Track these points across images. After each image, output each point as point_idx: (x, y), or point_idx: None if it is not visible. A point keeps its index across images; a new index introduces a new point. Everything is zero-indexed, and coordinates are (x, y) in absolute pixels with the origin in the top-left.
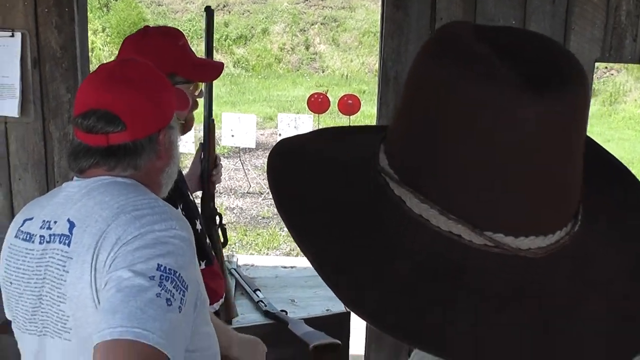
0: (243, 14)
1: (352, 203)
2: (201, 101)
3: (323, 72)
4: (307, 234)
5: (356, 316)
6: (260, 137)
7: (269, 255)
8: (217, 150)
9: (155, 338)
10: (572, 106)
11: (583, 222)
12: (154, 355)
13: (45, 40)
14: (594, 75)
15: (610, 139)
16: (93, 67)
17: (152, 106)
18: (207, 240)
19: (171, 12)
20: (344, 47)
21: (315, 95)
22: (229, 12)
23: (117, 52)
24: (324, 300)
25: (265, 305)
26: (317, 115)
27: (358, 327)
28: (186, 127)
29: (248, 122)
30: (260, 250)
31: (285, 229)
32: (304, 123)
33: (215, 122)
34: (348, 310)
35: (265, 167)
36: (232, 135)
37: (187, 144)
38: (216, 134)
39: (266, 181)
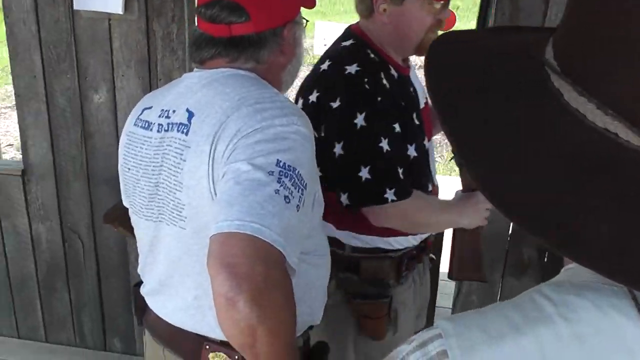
0: None
1: (510, 95)
2: None
3: None
4: (461, 129)
5: None
6: None
7: None
8: (309, 60)
9: (273, 235)
10: None
11: None
12: (270, 251)
13: None
14: None
15: None
16: None
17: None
18: None
19: None
20: None
21: None
22: None
23: None
24: None
25: None
26: None
27: None
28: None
29: (341, 31)
30: None
31: None
32: None
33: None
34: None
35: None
36: (325, 45)
37: None
38: (307, 43)
39: None
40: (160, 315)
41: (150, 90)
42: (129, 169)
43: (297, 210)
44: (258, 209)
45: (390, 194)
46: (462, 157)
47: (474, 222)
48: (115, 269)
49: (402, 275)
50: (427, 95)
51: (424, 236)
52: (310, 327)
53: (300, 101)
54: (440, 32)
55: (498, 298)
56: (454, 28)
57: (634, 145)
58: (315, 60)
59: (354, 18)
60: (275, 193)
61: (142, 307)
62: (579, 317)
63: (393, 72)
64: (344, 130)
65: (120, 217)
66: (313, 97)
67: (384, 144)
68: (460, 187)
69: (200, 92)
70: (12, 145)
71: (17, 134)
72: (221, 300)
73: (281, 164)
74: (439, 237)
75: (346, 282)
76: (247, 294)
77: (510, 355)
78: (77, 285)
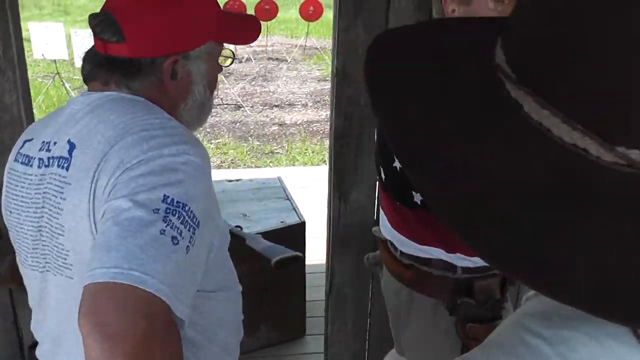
0: None
1: (457, 102)
2: None
3: None
4: (404, 135)
5: (312, 225)
6: None
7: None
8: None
9: (156, 284)
10: None
11: None
12: (153, 303)
13: None
14: None
15: None
16: None
17: (164, 26)
18: None
19: None
20: None
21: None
22: None
23: None
24: (276, 212)
25: None
26: None
27: (316, 235)
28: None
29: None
30: None
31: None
32: None
33: None
34: (303, 220)
35: None
36: (47, 44)
37: None
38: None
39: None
40: None
41: None
42: (10, 211)
43: (187, 252)
44: (138, 253)
45: None
46: (425, 191)
47: None
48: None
49: (506, 291)
50: None
51: None
52: None
53: None
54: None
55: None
56: (276, 19)
57: (606, 162)
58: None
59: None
60: (161, 234)
61: None
62: (580, 357)
63: None
64: None
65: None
66: None
67: None
68: None
69: (83, 120)
70: None
71: None
72: None
73: (168, 200)
74: None
75: (463, 308)
76: (123, 359)
77: None
78: None
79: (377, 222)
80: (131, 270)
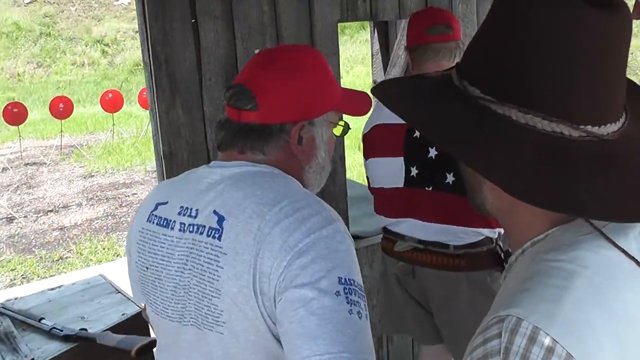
0: None
1: (458, 117)
2: None
3: None
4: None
5: None
6: None
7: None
8: None
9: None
10: (628, 18)
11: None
12: None
13: None
14: None
15: None
16: None
17: (295, 95)
18: None
19: None
20: None
21: None
22: None
23: None
24: (114, 307)
25: (62, 330)
26: None
27: None
28: None
29: None
30: None
31: None
32: None
33: None
34: (141, 308)
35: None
36: None
37: None
38: None
39: None
40: None
41: None
42: (147, 268)
43: (367, 319)
44: (340, 337)
45: None
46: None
47: None
48: None
49: None
50: None
51: None
52: None
53: None
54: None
55: None
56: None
57: (575, 136)
58: None
59: None
60: (350, 314)
61: None
62: (588, 263)
63: None
64: None
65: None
66: None
67: None
68: None
69: (227, 193)
70: None
71: None
72: None
73: (342, 281)
74: None
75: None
76: None
77: (581, 301)
78: None
79: None
80: (341, 352)
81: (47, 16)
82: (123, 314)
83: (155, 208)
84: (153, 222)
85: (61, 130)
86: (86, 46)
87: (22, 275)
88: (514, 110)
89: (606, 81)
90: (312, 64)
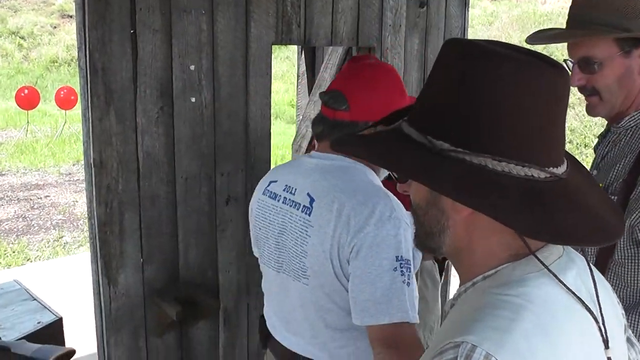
0: None
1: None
2: None
3: None
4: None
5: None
6: None
7: None
8: None
9: (415, 317)
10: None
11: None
12: (414, 329)
13: None
14: None
15: None
16: None
17: (377, 100)
18: None
19: None
20: None
21: None
22: None
23: None
24: (29, 314)
25: None
26: None
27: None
28: None
29: None
30: None
31: None
32: None
33: None
34: (59, 316)
35: None
36: None
37: None
38: None
39: None
40: (283, 344)
41: None
42: (260, 228)
43: (412, 287)
44: (399, 302)
45: None
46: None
47: None
48: None
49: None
50: None
51: None
52: None
53: None
54: None
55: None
56: None
57: (542, 178)
58: None
59: None
60: (403, 284)
61: (266, 335)
62: (533, 299)
63: None
64: None
65: None
66: None
67: None
68: None
69: (318, 181)
70: None
71: None
72: None
73: (399, 258)
74: None
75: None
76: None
77: (526, 332)
78: None
79: (145, 299)
80: (401, 312)
81: None
82: (39, 322)
83: (269, 184)
84: (266, 195)
85: None
86: (0, 37)
87: None
88: (489, 160)
89: (560, 127)
90: (389, 77)
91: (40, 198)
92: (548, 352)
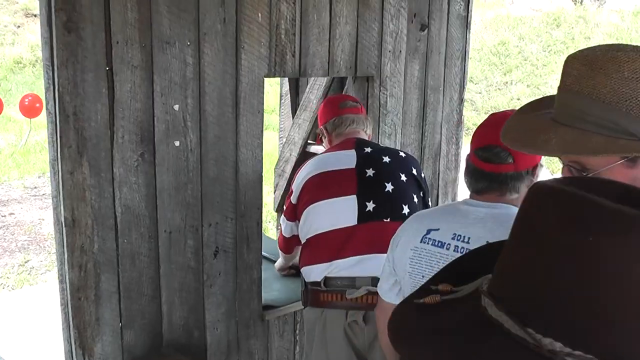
0: None
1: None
2: None
3: None
4: None
5: None
6: None
7: None
8: None
9: None
10: None
11: None
12: None
13: None
14: None
15: None
16: None
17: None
18: None
19: None
20: None
21: None
22: None
23: None
24: None
25: None
26: None
27: None
28: None
29: None
30: None
31: None
32: None
33: None
34: None
35: None
36: None
37: None
38: None
39: None
40: None
41: None
42: (423, 276)
43: None
44: None
45: None
46: None
47: None
48: None
49: None
50: None
51: None
52: None
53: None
54: None
55: None
56: None
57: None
58: None
59: None
60: None
61: None
62: None
63: None
64: None
65: None
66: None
67: None
68: None
69: (497, 229)
70: None
71: None
72: None
73: None
74: None
75: None
76: None
77: None
78: None
79: None
80: None
81: None
82: None
83: (428, 232)
84: (427, 243)
85: None
86: None
87: None
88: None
89: None
90: None
91: (5, 216)
92: None
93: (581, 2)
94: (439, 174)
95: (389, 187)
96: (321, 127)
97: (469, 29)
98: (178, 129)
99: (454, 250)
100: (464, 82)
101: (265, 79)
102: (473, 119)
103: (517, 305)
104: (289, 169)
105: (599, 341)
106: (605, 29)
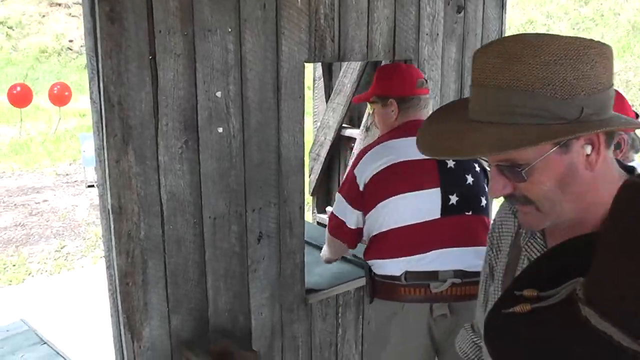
0: None
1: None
2: None
3: None
4: None
5: None
6: None
7: None
8: None
9: None
10: None
11: None
12: None
13: None
14: None
15: None
16: None
17: None
18: None
19: None
20: None
21: None
22: None
23: None
24: None
25: None
26: None
27: None
28: None
29: None
30: None
31: None
32: None
33: None
34: None
35: None
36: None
37: None
38: None
39: None
40: None
41: None
42: None
43: None
44: None
45: None
46: None
47: None
48: None
49: None
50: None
51: None
52: None
53: None
54: None
55: None
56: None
57: None
58: None
59: None
60: None
61: None
62: None
63: None
64: None
65: None
66: None
67: None
68: None
69: None
70: None
71: None
72: None
73: None
74: None
75: None
76: None
77: None
78: None
79: (172, 352)
80: None
81: None
82: None
83: None
84: None
85: None
86: None
87: None
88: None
89: None
90: None
91: (39, 203)
92: None
93: None
94: None
95: (470, 179)
96: (391, 99)
97: (505, 9)
98: (221, 116)
99: None
100: None
101: None
102: None
103: (628, 319)
104: (323, 153)
105: None
106: (635, 3)
